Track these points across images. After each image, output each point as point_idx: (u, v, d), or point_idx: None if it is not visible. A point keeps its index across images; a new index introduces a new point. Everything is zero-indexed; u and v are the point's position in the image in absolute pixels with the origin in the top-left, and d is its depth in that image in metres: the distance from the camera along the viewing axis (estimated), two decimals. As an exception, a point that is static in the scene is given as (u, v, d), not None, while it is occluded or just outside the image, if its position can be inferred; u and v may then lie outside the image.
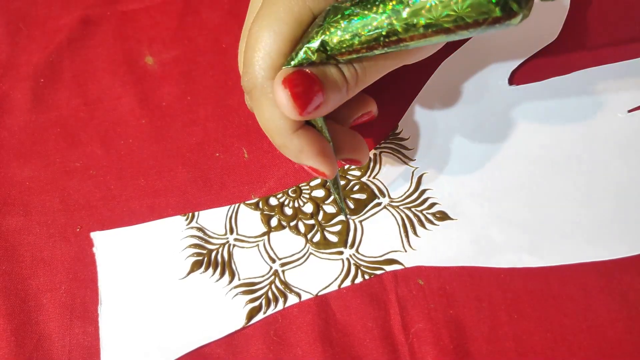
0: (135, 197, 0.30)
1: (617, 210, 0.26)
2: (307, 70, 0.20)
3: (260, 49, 0.21)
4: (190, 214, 0.29)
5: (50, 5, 0.35)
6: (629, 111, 0.28)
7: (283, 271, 0.28)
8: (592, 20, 0.30)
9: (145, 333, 0.27)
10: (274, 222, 0.29)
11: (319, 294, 0.27)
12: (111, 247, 0.29)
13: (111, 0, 0.35)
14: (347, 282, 0.27)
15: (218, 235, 0.29)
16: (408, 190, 0.29)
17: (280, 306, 0.27)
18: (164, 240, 0.29)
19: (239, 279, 0.28)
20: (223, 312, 0.27)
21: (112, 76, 0.33)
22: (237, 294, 0.27)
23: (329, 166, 0.23)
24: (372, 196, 0.29)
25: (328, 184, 0.25)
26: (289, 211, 0.29)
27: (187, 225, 0.29)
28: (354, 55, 0.20)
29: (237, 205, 0.29)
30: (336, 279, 0.27)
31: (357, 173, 0.29)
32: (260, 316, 0.27)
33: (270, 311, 0.27)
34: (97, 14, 0.35)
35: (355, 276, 0.27)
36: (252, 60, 0.21)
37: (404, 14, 0.18)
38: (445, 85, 0.30)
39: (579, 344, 0.25)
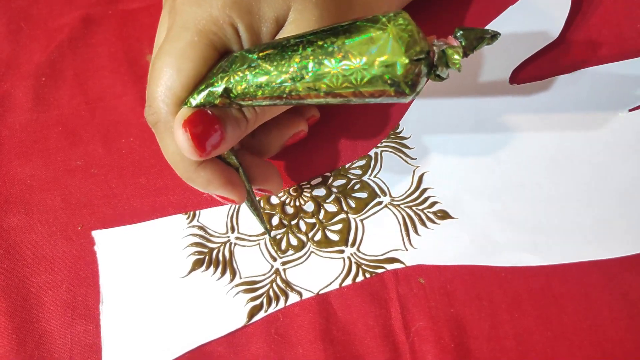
0: (136, 196, 0.30)
1: (618, 208, 0.26)
2: (208, 111, 0.21)
3: (162, 84, 0.21)
4: (192, 212, 0.29)
5: (52, 4, 0.35)
6: (630, 110, 0.28)
7: (284, 270, 0.28)
8: (593, 19, 0.30)
9: (146, 331, 0.27)
10: (275, 220, 0.29)
11: (320, 292, 0.27)
12: (112, 245, 0.29)
13: (112, -2, 0.35)
14: (348, 281, 0.27)
15: (219, 233, 0.29)
16: (409, 189, 0.29)
17: (281, 305, 0.27)
18: (165, 238, 0.29)
19: (240, 278, 0.28)
20: (224, 310, 0.27)
21: (114, 75, 0.33)
22: (238, 293, 0.27)
23: (237, 194, 0.23)
24: (373, 195, 0.29)
25: (246, 204, 0.26)
26: (290, 210, 0.29)
27: (188, 223, 0.29)
28: (256, 103, 0.21)
29: (238, 204, 0.29)
30: (337, 278, 0.27)
31: (359, 172, 0.29)
32: (261, 315, 0.27)
33: (272, 310, 0.27)
34: (98, 13, 0.35)
35: (357, 275, 0.27)
36: (155, 95, 0.21)
37: (307, 79, 0.19)
38: (446, 84, 0.30)
39: (579, 342, 0.25)
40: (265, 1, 0.21)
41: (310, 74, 0.19)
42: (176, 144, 0.21)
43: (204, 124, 0.20)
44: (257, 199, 0.29)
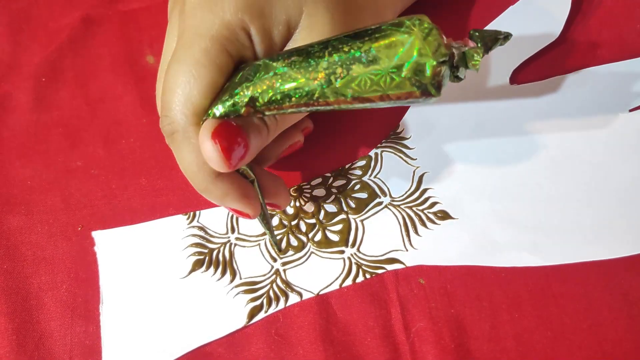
0: (136, 197, 0.30)
1: (619, 209, 0.26)
2: (234, 122, 0.20)
3: (180, 93, 0.21)
4: (192, 213, 0.29)
5: (52, 5, 0.35)
6: (630, 110, 0.28)
7: (284, 270, 0.28)
8: (593, 19, 0.30)
9: (146, 332, 0.27)
10: (275, 221, 0.29)
11: (320, 293, 0.27)
12: (112, 246, 0.29)
13: (112, -1, 0.35)
14: (349, 281, 0.27)
15: (219, 234, 0.29)
16: (409, 190, 0.29)
17: (281, 305, 0.27)
18: (165, 239, 0.29)
19: (240, 278, 0.28)
20: (224, 311, 0.27)
21: (114, 75, 0.33)
22: (238, 293, 0.27)
23: (252, 208, 0.23)
24: (373, 195, 0.29)
25: (259, 219, 0.26)
26: (290, 210, 0.29)
27: (188, 224, 0.29)
28: (281, 111, 0.20)
29: (238, 204, 0.29)
30: (337, 278, 0.27)
31: (359, 172, 0.29)
32: (261, 315, 0.27)
33: (272, 310, 0.27)
34: (99, 14, 0.35)
35: (357, 275, 0.27)
36: (172, 105, 0.21)
37: (336, 84, 0.19)
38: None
39: (579, 343, 0.25)
40: (277, 3, 0.21)
41: (339, 80, 0.19)
42: (194, 155, 0.21)
43: (230, 135, 0.20)
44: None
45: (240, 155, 0.20)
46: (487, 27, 0.30)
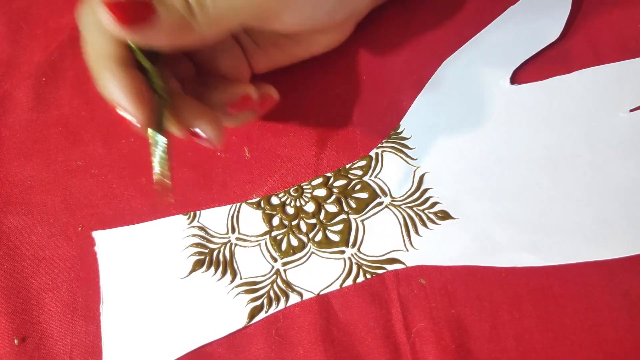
0: (136, 196, 0.30)
1: (619, 209, 0.26)
2: None
3: None
4: (192, 213, 0.29)
5: (52, 4, 0.35)
6: (631, 110, 0.28)
7: (285, 270, 0.28)
8: (593, 19, 0.30)
9: (146, 332, 0.27)
10: (275, 221, 0.29)
11: (321, 293, 0.27)
12: (113, 246, 0.29)
13: (112, -1, 0.35)
14: (349, 282, 0.27)
15: (220, 234, 0.29)
16: (410, 190, 0.29)
17: (282, 305, 0.27)
18: (165, 239, 0.29)
19: (241, 278, 0.28)
20: (225, 311, 0.27)
21: (114, 75, 0.33)
22: (238, 293, 0.27)
23: (140, 110, 0.20)
24: (373, 195, 0.29)
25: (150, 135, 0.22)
26: (290, 210, 0.29)
27: (188, 224, 0.29)
28: None
29: (238, 204, 0.29)
30: (338, 278, 0.27)
31: (359, 172, 0.29)
32: (262, 315, 0.27)
33: (272, 310, 0.27)
34: (99, 13, 0.35)
35: (357, 275, 0.27)
36: None
37: None
38: (447, 84, 0.30)
39: (580, 343, 0.25)
40: None
41: None
42: (97, 34, 0.20)
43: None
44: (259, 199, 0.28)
45: (142, 19, 0.19)
46: (488, 27, 0.30)
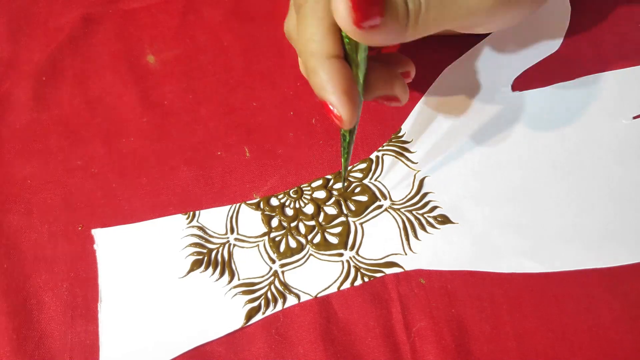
0: (136, 196, 0.30)
1: (620, 216, 0.26)
2: None
3: None
4: (191, 212, 0.29)
5: (52, 4, 0.35)
6: (634, 118, 0.28)
7: (283, 272, 0.28)
8: (593, 20, 0.30)
9: (144, 331, 0.27)
10: (274, 222, 0.29)
11: (318, 295, 0.27)
12: (112, 244, 0.29)
13: (112, -2, 0.35)
14: (347, 284, 0.27)
15: (218, 234, 0.29)
16: (409, 193, 0.28)
17: (279, 307, 0.27)
18: (164, 238, 0.29)
19: (239, 279, 0.28)
20: (222, 311, 0.27)
21: (114, 74, 0.33)
22: (236, 294, 0.28)
23: (348, 110, 0.21)
24: (373, 198, 0.29)
25: (342, 148, 0.24)
26: (289, 212, 0.29)
27: (187, 224, 0.29)
28: None
29: (238, 205, 0.29)
30: (336, 281, 0.27)
31: (359, 175, 0.29)
32: (259, 316, 0.27)
33: (269, 312, 0.27)
34: (99, 13, 0.35)
35: (355, 278, 0.27)
36: None
37: None
38: (449, 89, 0.30)
39: (580, 343, 0.25)
40: None
41: None
42: (315, 27, 0.20)
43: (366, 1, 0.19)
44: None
45: (372, 24, 0.19)
46: (490, 36, 0.30)
